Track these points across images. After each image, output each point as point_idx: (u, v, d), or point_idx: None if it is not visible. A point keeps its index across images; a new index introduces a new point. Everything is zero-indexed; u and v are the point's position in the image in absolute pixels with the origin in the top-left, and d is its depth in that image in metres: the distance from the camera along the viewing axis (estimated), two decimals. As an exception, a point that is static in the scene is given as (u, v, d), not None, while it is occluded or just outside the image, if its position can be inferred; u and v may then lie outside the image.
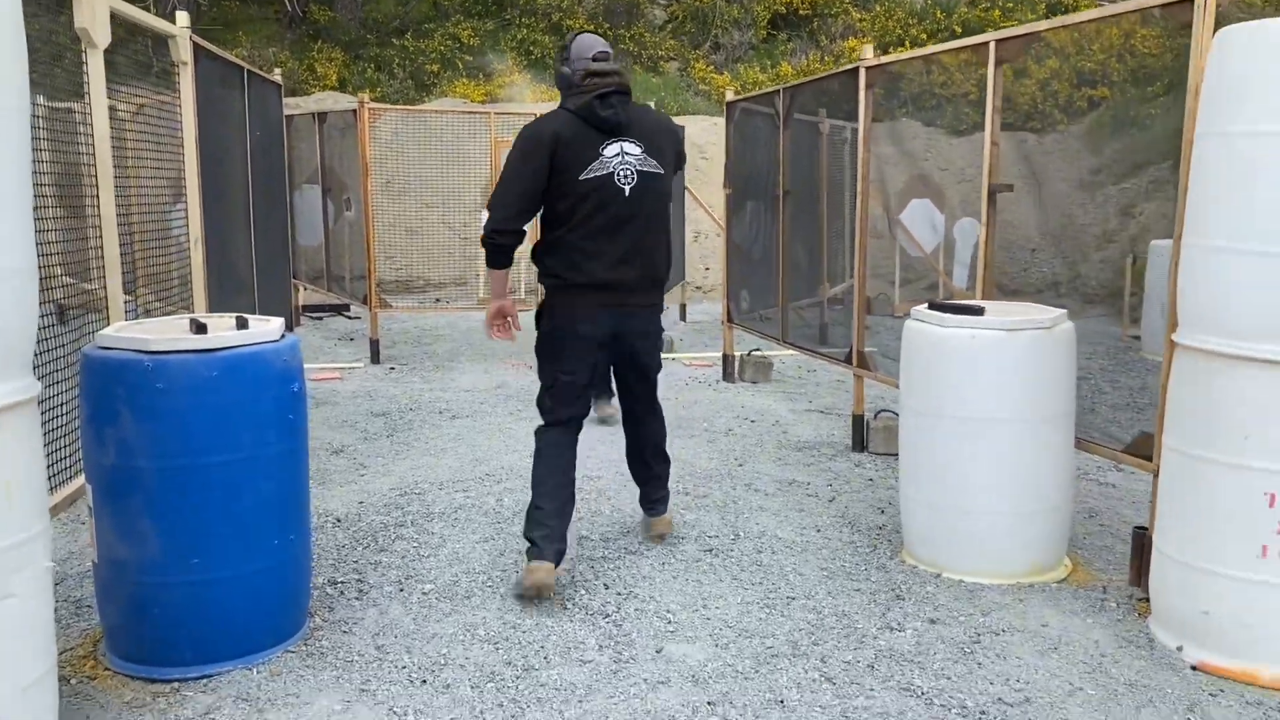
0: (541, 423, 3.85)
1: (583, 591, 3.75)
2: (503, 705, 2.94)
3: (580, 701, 2.97)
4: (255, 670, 3.11)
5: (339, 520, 4.49)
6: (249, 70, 6.42)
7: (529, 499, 3.78)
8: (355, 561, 4.03)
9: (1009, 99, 15.90)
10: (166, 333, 3.06)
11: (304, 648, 3.27)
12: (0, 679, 2.32)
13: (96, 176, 3.98)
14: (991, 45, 4.47)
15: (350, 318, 10.58)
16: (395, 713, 2.89)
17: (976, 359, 3.78)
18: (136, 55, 4.81)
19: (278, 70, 8.75)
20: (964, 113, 14.43)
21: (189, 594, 3.03)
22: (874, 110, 5.56)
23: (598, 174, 3.63)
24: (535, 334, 3.82)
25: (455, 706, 2.93)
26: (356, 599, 3.68)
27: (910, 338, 4.01)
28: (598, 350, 3.78)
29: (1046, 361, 3.78)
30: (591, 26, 18.94)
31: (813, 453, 5.73)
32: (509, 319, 3.90)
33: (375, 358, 8.30)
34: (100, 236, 4.02)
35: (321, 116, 9.18)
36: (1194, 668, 3.21)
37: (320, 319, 10.52)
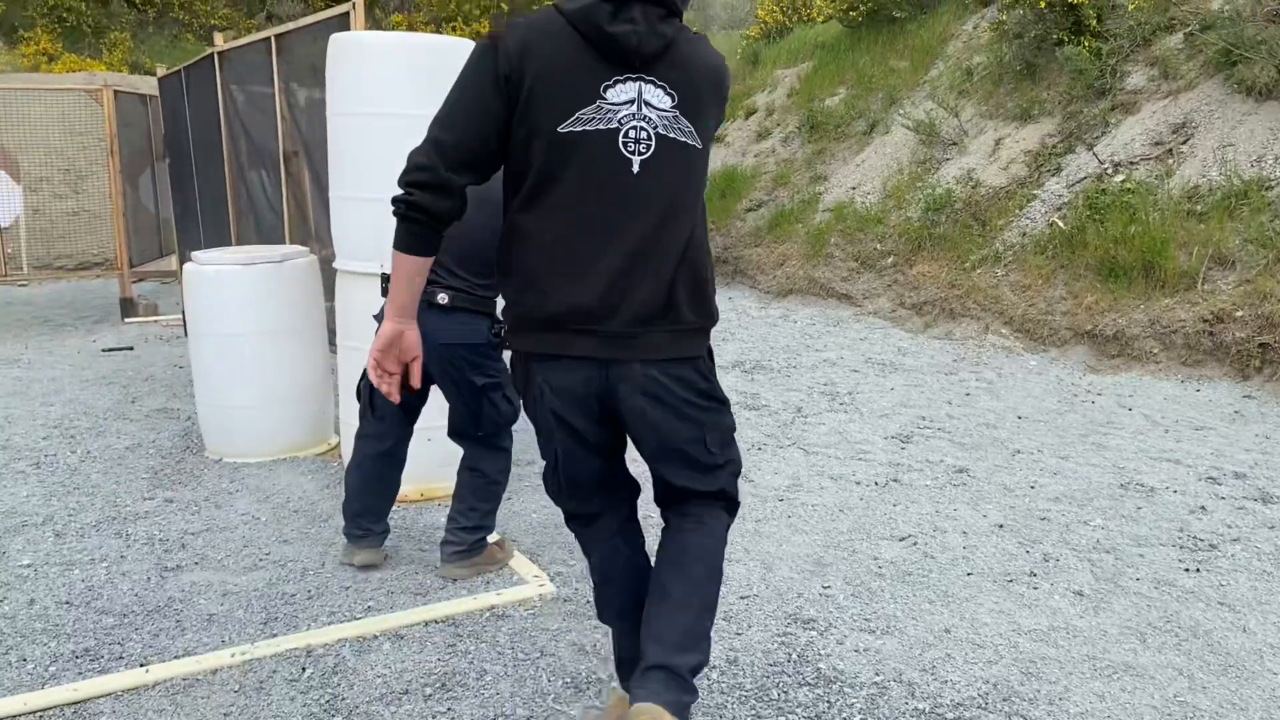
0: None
1: None
2: None
3: None
4: None
5: None
6: None
7: None
8: None
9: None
10: None
11: None
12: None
13: None
14: (273, 39, 5.57)
15: None
16: None
17: (223, 288, 4.86)
18: None
19: None
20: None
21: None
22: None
23: (590, 128, 2.13)
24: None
25: None
26: None
27: (186, 277, 5.02)
28: (589, 430, 2.31)
29: (279, 288, 4.93)
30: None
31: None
32: (405, 363, 2.32)
33: None
34: None
35: None
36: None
37: None
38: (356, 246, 4.36)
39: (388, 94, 4.15)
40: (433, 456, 4.42)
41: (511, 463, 3.73)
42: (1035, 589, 3.51)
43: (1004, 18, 9.96)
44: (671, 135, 2.17)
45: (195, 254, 5.06)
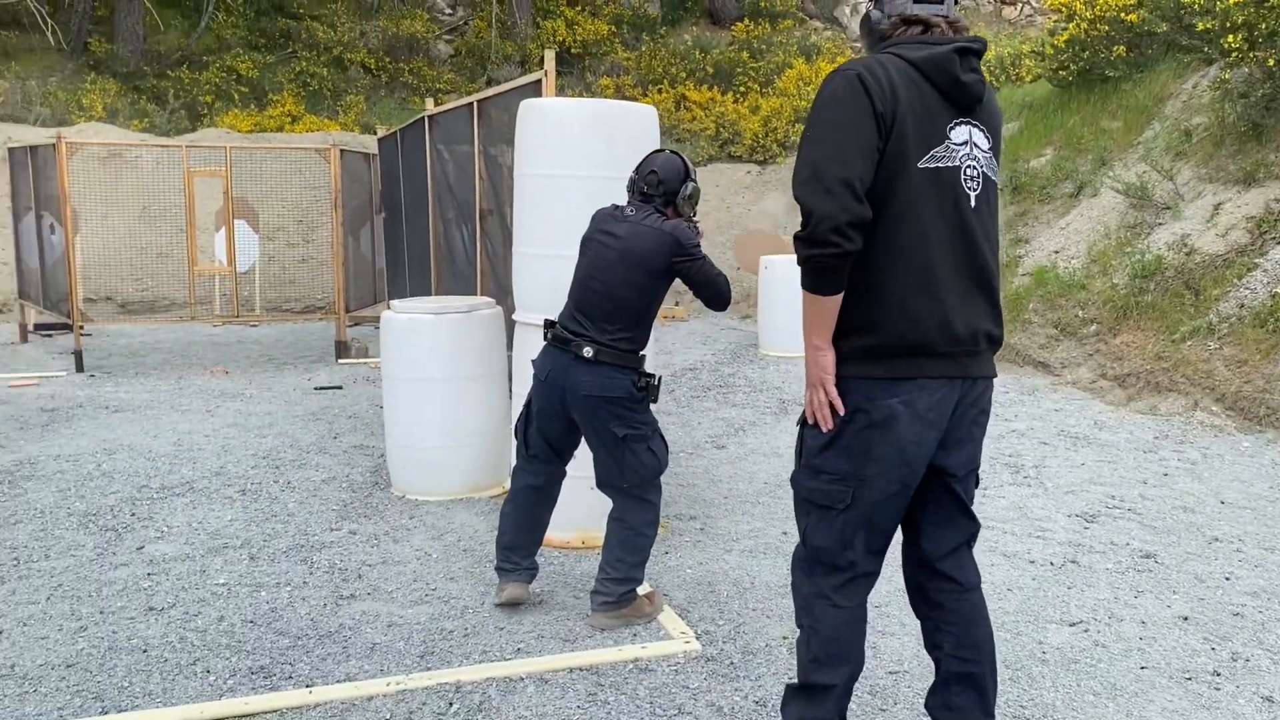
0: (814, 589, 2.49)
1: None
2: None
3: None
4: None
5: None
6: None
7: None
8: None
9: (740, 133, 17.85)
10: None
11: None
12: None
13: None
14: (475, 104, 5.93)
15: (86, 334, 11.44)
16: None
17: (414, 335, 5.18)
18: None
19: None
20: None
21: None
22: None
23: (940, 165, 2.30)
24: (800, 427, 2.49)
25: None
26: None
27: (382, 324, 5.38)
28: (920, 461, 2.40)
29: (466, 337, 5.20)
30: (373, 61, 20.17)
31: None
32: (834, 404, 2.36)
33: (79, 367, 9.26)
34: None
35: (34, 150, 10.12)
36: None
37: (50, 336, 11.34)
38: (535, 299, 4.56)
39: (567, 156, 4.35)
40: (595, 505, 4.52)
41: (659, 515, 3.77)
42: (1217, 690, 3.24)
43: (1227, 76, 9.38)
44: (988, 174, 2.39)
45: (393, 303, 5.42)
